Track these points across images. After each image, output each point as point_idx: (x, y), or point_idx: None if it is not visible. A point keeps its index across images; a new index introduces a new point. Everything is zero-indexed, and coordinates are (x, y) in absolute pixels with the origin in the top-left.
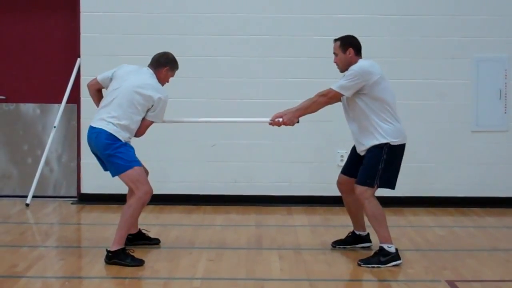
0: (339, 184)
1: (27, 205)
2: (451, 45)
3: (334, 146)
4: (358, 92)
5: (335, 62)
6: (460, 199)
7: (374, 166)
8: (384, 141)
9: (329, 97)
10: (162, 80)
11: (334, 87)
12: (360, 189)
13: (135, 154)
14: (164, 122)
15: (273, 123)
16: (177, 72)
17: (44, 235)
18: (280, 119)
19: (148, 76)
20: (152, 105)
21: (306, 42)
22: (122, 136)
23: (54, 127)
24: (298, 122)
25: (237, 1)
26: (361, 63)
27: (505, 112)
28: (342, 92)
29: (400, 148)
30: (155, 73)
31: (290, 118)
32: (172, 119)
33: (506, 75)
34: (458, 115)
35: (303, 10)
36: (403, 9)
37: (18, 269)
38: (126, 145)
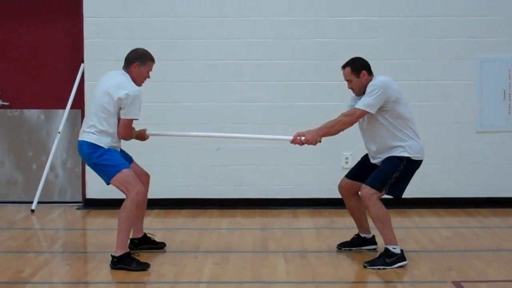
0: (342, 188)
1: (33, 211)
2: (455, 46)
3: (339, 148)
4: (380, 110)
5: (350, 88)
6: (465, 200)
7: (389, 173)
8: (406, 154)
9: (356, 117)
10: (137, 78)
11: (360, 106)
12: (367, 189)
13: (120, 158)
14: (166, 135)
15: (295, 141)
16: (180, 77)
17: (49, 240)
18: (303, 138)
19: (117, 76)
20: (121, 103)
21: (310, 45)
22: (104, 142)
23: (59, 132)
24: (320, 141)
25: (241, 5)
26: (379, 78)
27: (509, 113)
28: (368, 110)
29: (418, 164)
30: (128, 72)
31: (314, 137)
32: (177, 133)
33: (510, 76)
34: (463, 115)
35: (307, 13)
36: (407, 11)
37: (24, 275)
38: (110, 150)
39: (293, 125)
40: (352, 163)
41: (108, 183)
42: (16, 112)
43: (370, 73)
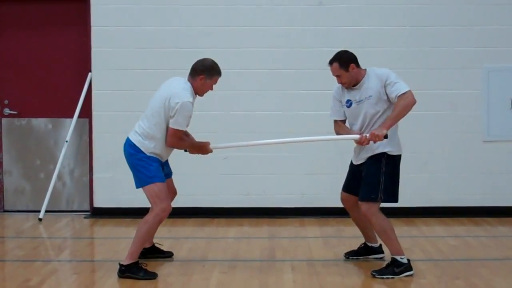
0: (343, 201)
1: (40, 219)
2: (462, 55)
3: (346, 157)
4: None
5: (340, 83)
6: (472, 209)
7: (375, 180)
8: (383, 150)
9: (412, 97)
10: (199, 89)
11: (403, 89)
12: (364, 205)
13: (158, 169)
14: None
15: (361, 139)
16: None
17: (57, 249)
18: (367, 135)
19: (178, 84)
20: (171, 111)
21: (318, 54)
22: (146, 147)
23: (66, 141)
24: (386, 137)
25: (247, 14)
26: (382, 69)
27: None
28: (408, 88)
29: (398, 159)
30: (192, 82)
31: (378, 129)
32: (248, 143)
33: None
34: (470, 125)
35: (315, 22)
36: (413, 20)
37: (32, 284)
38: (150, 159)
39: (301, 134)
40: None
41: (137, 187)
42: (23, 121)
43: (358, 65)
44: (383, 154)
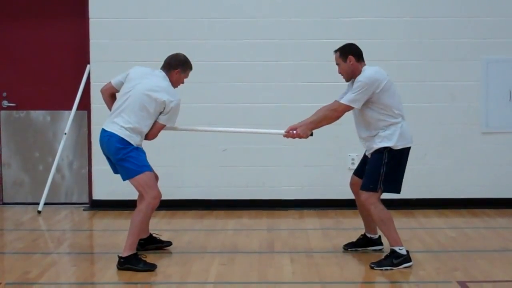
0: (352, 185)
1: (39, 212)
2: (461, 47)
3: (345, 149)
4: (367, 101)
5: (339, 72)
6: (471, 201)
7: (375, 171)
8: (385, 144)
9: (340, 112)
10: (175, 83)
11: (344, 101)
12: (364, 195)
13: (146, 159)
14: (176, 129)
15: (287, 135)
16: (187, 78)
17: (56, 241)
18: (295, 131)
19: (160, 79)
20: (164, 108)
21: (318, 46)
22: (134, 140)
23: (65, 134)
24: (311, 135)
25: (247, 6)
26: (366, 73)
27: None
28: (352, 105)
29: (405, 152)
30: (168, 75)
31: (304, 130)
32: (185, 127)
33: None
34: (468, 116)
35: (315, 14)
36: (412, 12)
37: (31, 276)
38: (138, 149)
39: None
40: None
41: (125, 180)
42: (22, 113)
43: (359, 59)
44: (386, 147)
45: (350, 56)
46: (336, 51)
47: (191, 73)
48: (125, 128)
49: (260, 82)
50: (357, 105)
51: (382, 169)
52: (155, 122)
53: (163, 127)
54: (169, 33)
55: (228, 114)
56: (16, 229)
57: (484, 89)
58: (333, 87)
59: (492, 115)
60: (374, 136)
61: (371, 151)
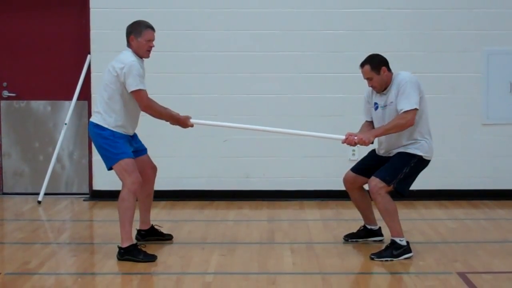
0: (346, 181)
1: (39, 202)
2: (462, 38)
3: None
4: None
5: (370, 86)
6: (471, 192)
7: (400, 168)
8: (419, 153)
9: (411, 119)
10: (139, 50)
11: (408, 107)
12: (376, 182)
13: (124, 145)
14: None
15: (347, 140)
16: (189, 68)
17: (56, 232)
18: (355, 138)
19: (120, 54)
20: (122, 77)
21: (319, 37)
22: (108, 122)
23: (65, 124)
24: (372, 142)
25: None
26: (405, 76)
27: None
28: (416, 106)
29: (426, 163)
30: (129, 47)
31: (368, 137)
32: (228, 124)
33: None
34: (469, 108)
35: (316, 4)
36: (414, 3)
37: (31, 266)
38: (115, 135)
39: (301, 117)
40: (359, 155)
41: (108, 169)
42: (22, 103)
43: (389, 68)
44: (419, 155)
45: (383, 67)
46: (363, 65)
47: (191, 64)
48: (96, 112)
49: (260, 73)
50: (418, 106)
51: (406, 169)
52: (131, 93)
53: (137, 92)
54: (170, 23)
55: (228, 105)
56: (16, 219)
57: (485, 81)
58: (334, 78)
59: (492, 107)
60: (406, 144)
61: (398, 150)
